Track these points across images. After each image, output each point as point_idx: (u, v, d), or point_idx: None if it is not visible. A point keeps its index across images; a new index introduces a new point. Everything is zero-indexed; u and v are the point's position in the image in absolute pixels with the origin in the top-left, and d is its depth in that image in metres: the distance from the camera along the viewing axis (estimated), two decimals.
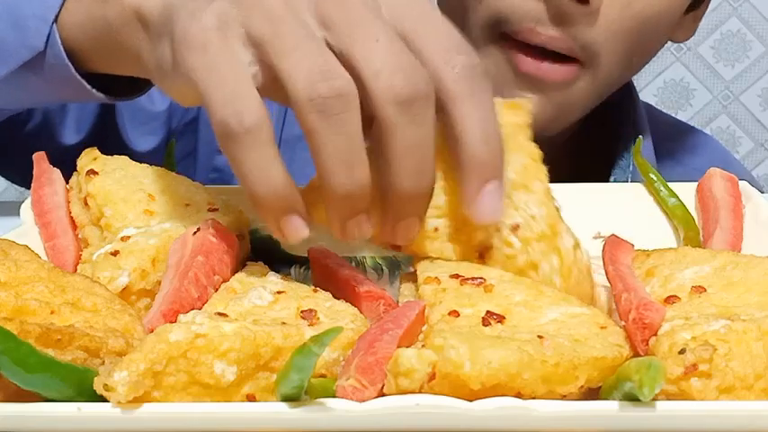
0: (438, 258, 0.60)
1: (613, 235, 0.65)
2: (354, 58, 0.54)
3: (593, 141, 1.06)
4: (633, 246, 0.64)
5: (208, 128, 0.64)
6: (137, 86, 0.78)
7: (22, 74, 0.75)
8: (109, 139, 0.97)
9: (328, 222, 0.56)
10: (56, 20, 0.72)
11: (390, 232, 0.57)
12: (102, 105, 0.83)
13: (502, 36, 0.89)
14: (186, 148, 1.08)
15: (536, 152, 0.60)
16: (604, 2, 0.86)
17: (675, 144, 1.10)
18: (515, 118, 0.61)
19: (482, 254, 0.57)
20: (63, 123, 0.95)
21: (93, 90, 0.75)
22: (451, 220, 0.58)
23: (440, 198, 0.58)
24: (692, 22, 1.02)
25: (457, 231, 0.58)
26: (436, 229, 0.58)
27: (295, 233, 0.56)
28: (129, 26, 0.66)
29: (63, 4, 0.72)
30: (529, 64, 0.88)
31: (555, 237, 0.57)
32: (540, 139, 0.97)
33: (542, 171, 0.59)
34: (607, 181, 0.93)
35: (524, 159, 0.59)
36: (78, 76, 0.74)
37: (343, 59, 0.54)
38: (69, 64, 0.73)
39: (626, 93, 1.06)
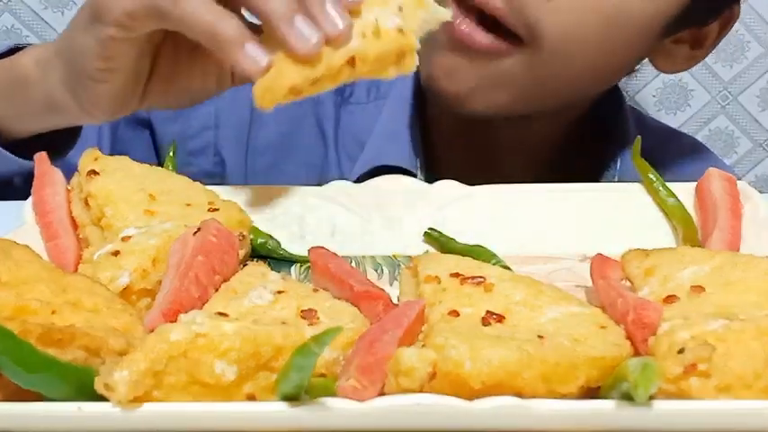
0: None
1: (599, 254, 0.66)
2: None
3: (586, 152, 1.04)
4: (619, 262, 0.64)
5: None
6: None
7: None
8: None
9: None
10: None
11: (288, 35, 0.63)
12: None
13: None
14: None
15: None
16: None
17: (667, 152, 1.07)
18: None
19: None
20: None
21: (13, 156, 0.81)
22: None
23: None
24: (677, 48, 0.95)
25: None
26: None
27: (259, 57, 0.64)
28: (33, 74, 0.76)
29: None
30: (462, 30, 0.83)
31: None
32: (534, 149, 0.96)
33: None
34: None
35: None
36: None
37: None
38: None
39: (616, 107, 1.03)
